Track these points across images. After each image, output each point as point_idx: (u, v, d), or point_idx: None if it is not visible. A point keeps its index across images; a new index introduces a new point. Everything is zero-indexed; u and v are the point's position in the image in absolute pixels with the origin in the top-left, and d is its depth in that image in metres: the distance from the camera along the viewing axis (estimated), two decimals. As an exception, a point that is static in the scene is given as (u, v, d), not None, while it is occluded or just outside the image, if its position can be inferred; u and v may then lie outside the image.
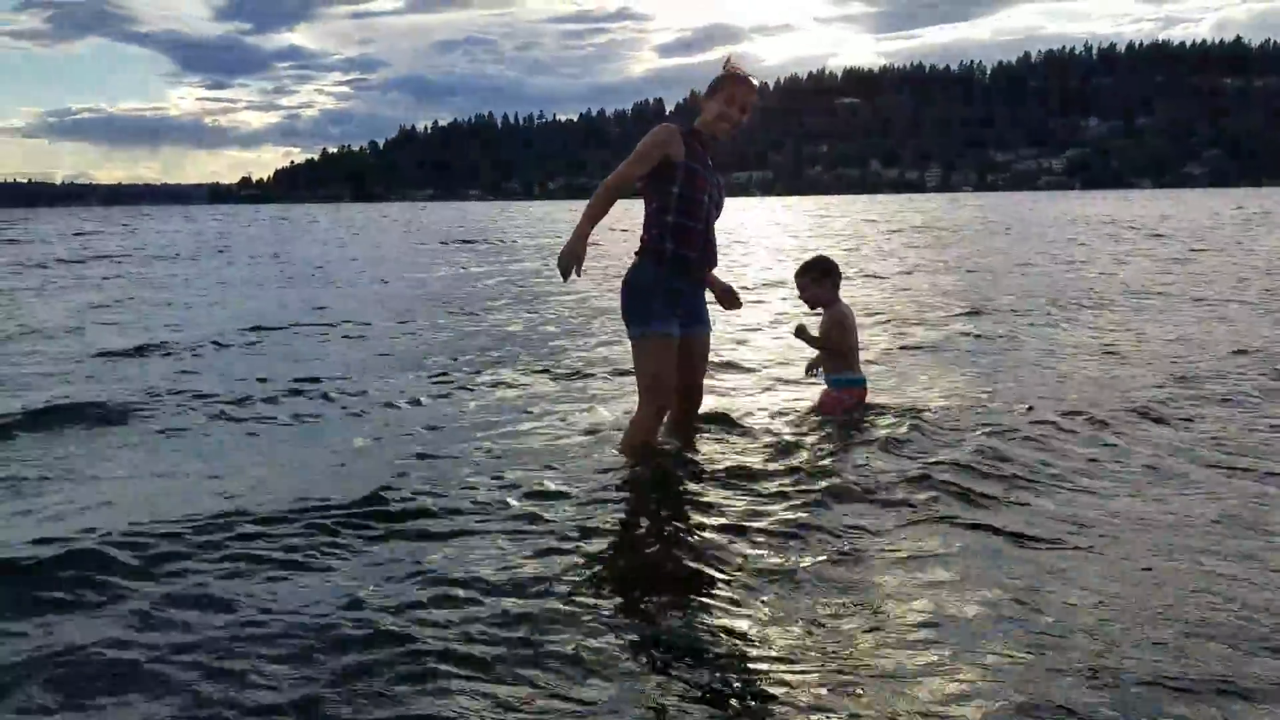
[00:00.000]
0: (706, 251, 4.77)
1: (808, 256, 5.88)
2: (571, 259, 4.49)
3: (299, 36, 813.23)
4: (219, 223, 57.50)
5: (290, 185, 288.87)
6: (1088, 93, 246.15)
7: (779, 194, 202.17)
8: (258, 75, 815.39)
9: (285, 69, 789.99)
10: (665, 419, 4.89)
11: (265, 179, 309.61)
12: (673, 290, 4.67)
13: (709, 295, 5.03)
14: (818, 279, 5.61)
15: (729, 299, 5.03)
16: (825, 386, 5.74)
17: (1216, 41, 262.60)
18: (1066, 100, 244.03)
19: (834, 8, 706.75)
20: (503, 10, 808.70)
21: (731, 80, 4.64)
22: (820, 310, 5.73)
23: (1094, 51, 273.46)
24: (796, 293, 5.80)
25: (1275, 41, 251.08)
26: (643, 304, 4.64)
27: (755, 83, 4.71)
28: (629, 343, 4.77)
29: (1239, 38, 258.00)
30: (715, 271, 5.00)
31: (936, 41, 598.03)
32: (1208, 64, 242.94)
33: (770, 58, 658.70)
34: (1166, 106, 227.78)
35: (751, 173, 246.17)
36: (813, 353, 5.82)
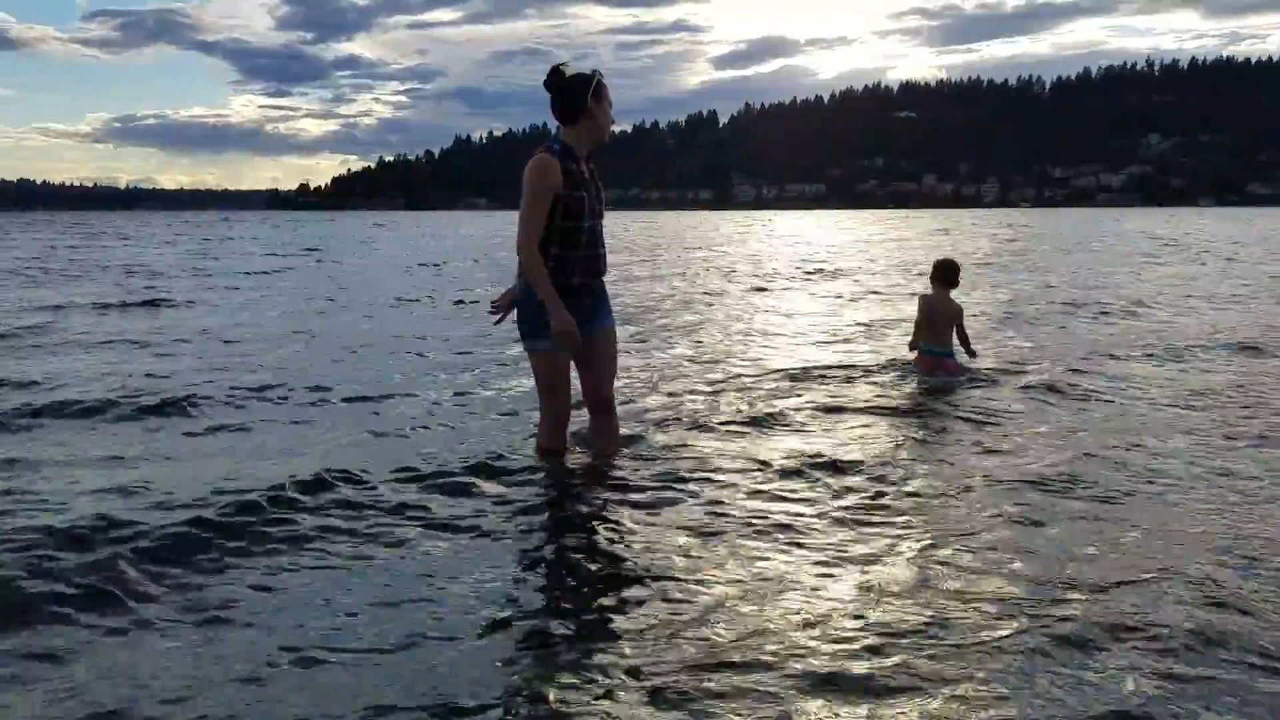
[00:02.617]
0: (590, 268, 4.81)
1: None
2: (571, 334, 4.61)
3: (358, 46, 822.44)
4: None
5: (347, 193, 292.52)
6: (1149, 109, 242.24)
7: (833, 207, 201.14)
8: (317, 84, 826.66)
9: (344, 78, 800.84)
10: (567, 424, 5.13)
11: (323, 186, 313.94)
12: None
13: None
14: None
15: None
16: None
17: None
18: (1127, 116, 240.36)
19: (892, 21, 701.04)
20: (559, 22, 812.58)
21: (604, 85, 4.73)
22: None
23: (1156, 68, 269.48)
24: None
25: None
26: (528, 322, 4.79)
27: None
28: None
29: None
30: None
31: (996, 55, 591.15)
32: (1274, 81, 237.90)
33: (825, 71, 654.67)
34: (1231, 124, 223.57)
35: (805, 186, 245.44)
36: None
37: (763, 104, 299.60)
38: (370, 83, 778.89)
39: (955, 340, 7.61)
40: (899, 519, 4.14)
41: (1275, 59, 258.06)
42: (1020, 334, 10.29)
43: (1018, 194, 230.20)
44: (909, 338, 7.83)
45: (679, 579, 3.48)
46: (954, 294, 7.72)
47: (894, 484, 4.66)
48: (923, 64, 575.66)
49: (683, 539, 3.91)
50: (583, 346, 4.80)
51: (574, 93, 4.63)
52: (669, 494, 4.51)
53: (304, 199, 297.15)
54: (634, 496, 4.49)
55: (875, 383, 7.36)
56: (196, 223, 70.39)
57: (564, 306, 4.61)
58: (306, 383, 7.38)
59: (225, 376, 7.70)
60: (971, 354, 7.73)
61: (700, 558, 3.70)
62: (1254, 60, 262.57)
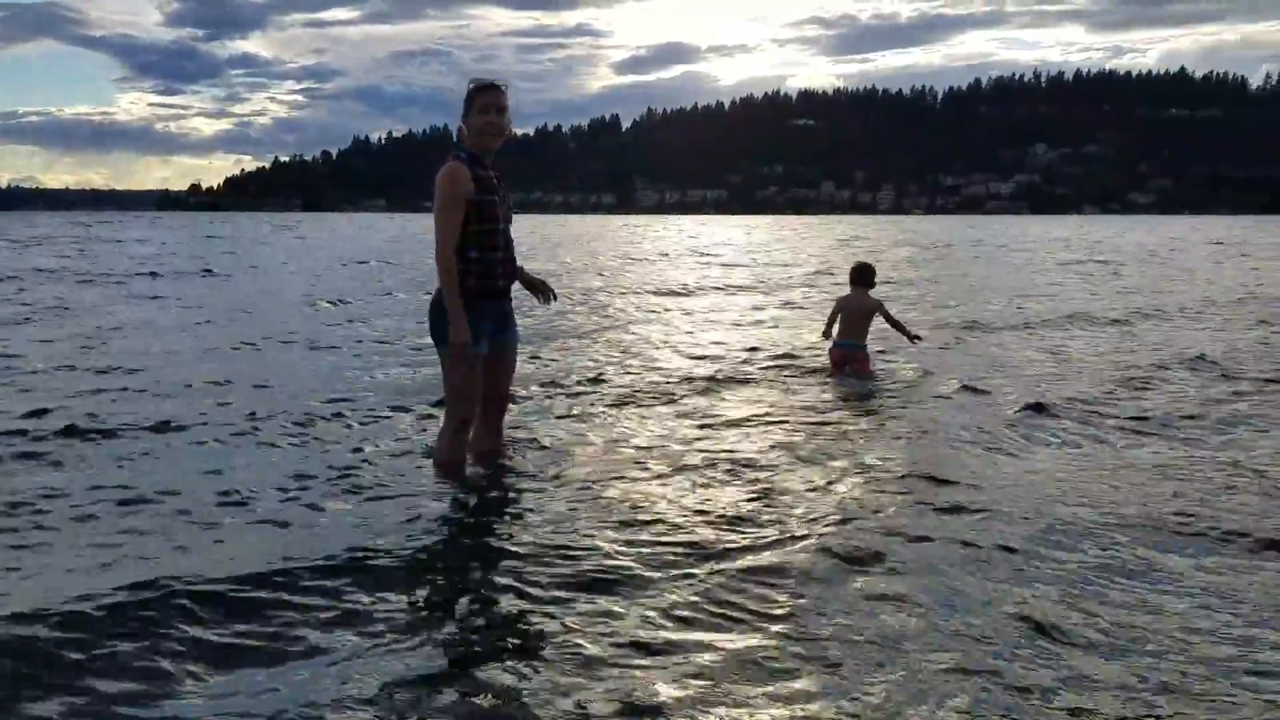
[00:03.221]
0: (509, 270, 5.00)
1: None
2: (467, 347, 4.75)
3: (253, 45, 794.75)
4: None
5: (241, 193, 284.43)
6: (1037, 120, 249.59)
7: (735, 213, 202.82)
8: (210, 82, 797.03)
9: (238, 76, 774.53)
10: (472, 427, 5.14)
11: (215, 187, 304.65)
12: (477, 311, 4.83)
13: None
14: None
15: (542, 291, 5.27)
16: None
17: (1162, 72, 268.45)
18: (1016, 126, 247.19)
19: (790, 30, 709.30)
20: (460, 23, 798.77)
21: (477, 91, 4.82)
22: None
23: (1043, 79, 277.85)
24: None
25: (1218, 74, 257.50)
26: (448, 325, 4.78)
27: (499, 83, 4.87)
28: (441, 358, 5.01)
29: (1184, 69, 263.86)
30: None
31: (891, 65, 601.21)
32: (1154, 94, 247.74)
33: (726, 78, 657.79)
34: (1113, 135, 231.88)
35: (706, 191, 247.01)
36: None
37: (665, 109, 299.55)
38: (266, 81, 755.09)
39: (876, 334, 8.18)
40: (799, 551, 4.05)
41: (1155, 72, 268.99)
42: (949, 343, 10.39)
43: (911, 201, 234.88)
44: (828, 339, 8.25)
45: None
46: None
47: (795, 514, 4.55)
48: (820, 72, 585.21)
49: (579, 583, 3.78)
50: (499, 351, 4.99)
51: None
52: (572, 526, 4.36)
53: (195, 199, 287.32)
54: (537, 531, 4.34)
55: (787, 389, 7.55)
56: (86, 223, 67.86)
57: (472, 316, 4.74)
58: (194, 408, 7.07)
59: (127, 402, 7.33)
60: (914, 339, 8.29)
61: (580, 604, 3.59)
62: (1135, 74, 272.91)
